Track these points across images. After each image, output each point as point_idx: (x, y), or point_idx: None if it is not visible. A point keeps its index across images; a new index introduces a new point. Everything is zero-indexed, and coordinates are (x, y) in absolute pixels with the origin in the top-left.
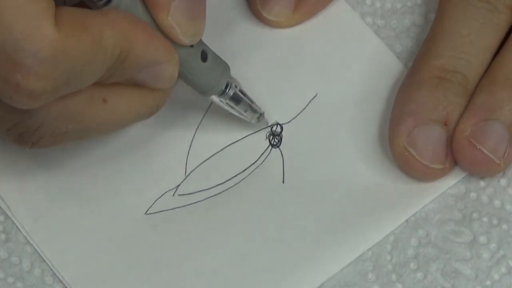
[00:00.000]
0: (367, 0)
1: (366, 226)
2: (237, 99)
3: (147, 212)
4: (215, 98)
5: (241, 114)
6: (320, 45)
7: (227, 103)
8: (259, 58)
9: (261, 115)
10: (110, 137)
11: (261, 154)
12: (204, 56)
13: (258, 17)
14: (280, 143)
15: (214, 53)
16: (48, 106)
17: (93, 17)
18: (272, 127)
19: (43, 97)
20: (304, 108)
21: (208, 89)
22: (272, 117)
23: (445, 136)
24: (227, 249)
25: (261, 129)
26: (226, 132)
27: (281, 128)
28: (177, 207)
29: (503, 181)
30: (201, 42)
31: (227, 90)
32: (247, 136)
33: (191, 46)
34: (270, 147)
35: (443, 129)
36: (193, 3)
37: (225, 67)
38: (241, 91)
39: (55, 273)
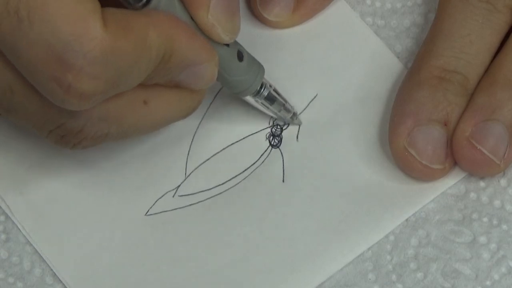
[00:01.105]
0: (367, 0)
1: (366, 226)
2: (272, 99)
3: (148, 213)
4: (249, 98)
5: (275, 114)
6: (320, 45)
7: (262, 103)
8: (259, 59)
9: (294, 115)
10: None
11: (261, 155)
12: (240, 56)
13: (258, 17)
14: (280, 144)
15: (249, 54)
16: (91, 108)
17: (137, 18)
18: (272, 128)
19: (93, 98)
20: (304, 109)
21: (244, 89)
22: (271, 118)
23: (445, 137)
24: (227, 250)
25: (261, 130)
26: (226, 133)
27: (281, 128)
28: (178, 208)
29: (503, 181)
30: (236, 42)
31: (262, 90)
32: (247, 136)
33: (227, 45)
34: (270, 147)
35: (443, 129)
36: None
37: (260, 67)
38: (275, 91)
39: (55, 273)
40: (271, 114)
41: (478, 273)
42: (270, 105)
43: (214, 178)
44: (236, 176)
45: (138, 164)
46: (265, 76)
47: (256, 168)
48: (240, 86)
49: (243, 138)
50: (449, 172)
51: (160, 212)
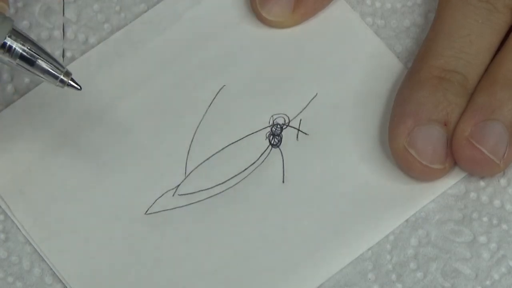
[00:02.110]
0: (367, 0)
1: (366, 226)
2: (31, 56)
3: (147, 212)
4: (2, 57)
5: (42, 76)
6: (320, 45)
7: (18, 63)
8: (259, 58)
9: (67, 75)
10: (110, 137)
11: (261, 154)
12: None
13: (258, 17)
14: (280, 143)
15: None
16: None
17: None
18: (272, 127)
19: None
20: (304, 108)
21: None
22: (271, 117)
23: (445, 136)
24: (227, 249)
25: (261, 129)
26: (226, 132)
27: (281, 128)
28: (177, 207)
29: (503, 181)
30: None
31: (14, 46)
32: (247, 136)
33: None
34: (270, 147)
35: (443, 129)
36: None
37: (6, 20)
38: (34, 47)
39: (54, 273)
40: (42, 78)
41: (478, 273)
42: (31, 65)
43: (214, 177)
44: (236, 175)
45: (138, 163)
46: (265, 76)
47: (256, 167)
48: None
49: (243, 137)
50: (449, 172)
51: (160, 211)
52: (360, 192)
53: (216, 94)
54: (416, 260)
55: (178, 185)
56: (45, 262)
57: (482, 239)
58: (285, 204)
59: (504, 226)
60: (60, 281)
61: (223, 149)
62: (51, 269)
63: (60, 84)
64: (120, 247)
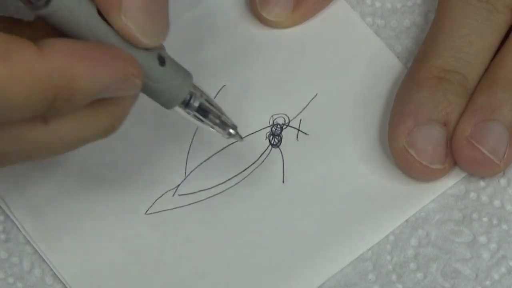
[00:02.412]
0: (367, 0)
1: (366, 226)
2: (205, 110)
3: (147, 212)
4: (179, 110)
5: (212, 128)
6: (320, 45)
7: (194, 115)
8: (259, 59)
9: (234, 128)
10: (110, 138)
11: (261, 154)
12: (161, 60)
13: (258, 18)
14: (280, 143)
15: (174, 59)
16: None
17: (22, 46)
18: (272, 127)
19: None
20: (304, 108)
21: (170, 97)
22: (271, 117)
23: (445, 137)
24: (227, 249)
25: (261, 129)
26: None
27: (281, 128)
28: (177, 207)
29: (503, 181)
30: (157, 46)
31: (192, 100)
32: (247, 136)
33: (146, 49)
34: (270, 147)
35: (442, 129)
36: None
37: (188, 74)
38: (208, 101)
39: (55, 273)
40: (209, 129)
41: (478, 273)
42: (205, 117)
43: (214, 177)
44: (236, 175)
45: (138, 163)
46: (265, 76)
47: (256, 167)
48: (165, 94)
49: (243, 137)
50: (449, 172)
51: (160, 211)
52: (360, 192)
53: (216, 94)
54: (416, 260)
55: (178, 185)
56: (46, 262)
57: (482, 239)
58: (285, 204)
59: (504, 226)
60: (61, 281)
61: (223, 149)
62: (51, 269)
63: (226, 136)
64: (120, 247)
